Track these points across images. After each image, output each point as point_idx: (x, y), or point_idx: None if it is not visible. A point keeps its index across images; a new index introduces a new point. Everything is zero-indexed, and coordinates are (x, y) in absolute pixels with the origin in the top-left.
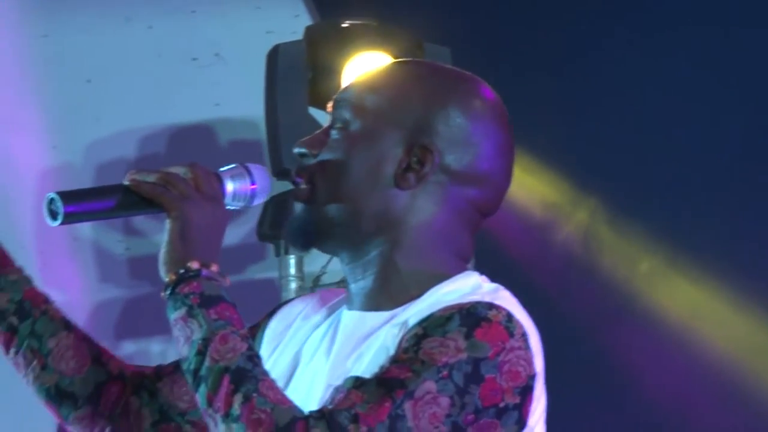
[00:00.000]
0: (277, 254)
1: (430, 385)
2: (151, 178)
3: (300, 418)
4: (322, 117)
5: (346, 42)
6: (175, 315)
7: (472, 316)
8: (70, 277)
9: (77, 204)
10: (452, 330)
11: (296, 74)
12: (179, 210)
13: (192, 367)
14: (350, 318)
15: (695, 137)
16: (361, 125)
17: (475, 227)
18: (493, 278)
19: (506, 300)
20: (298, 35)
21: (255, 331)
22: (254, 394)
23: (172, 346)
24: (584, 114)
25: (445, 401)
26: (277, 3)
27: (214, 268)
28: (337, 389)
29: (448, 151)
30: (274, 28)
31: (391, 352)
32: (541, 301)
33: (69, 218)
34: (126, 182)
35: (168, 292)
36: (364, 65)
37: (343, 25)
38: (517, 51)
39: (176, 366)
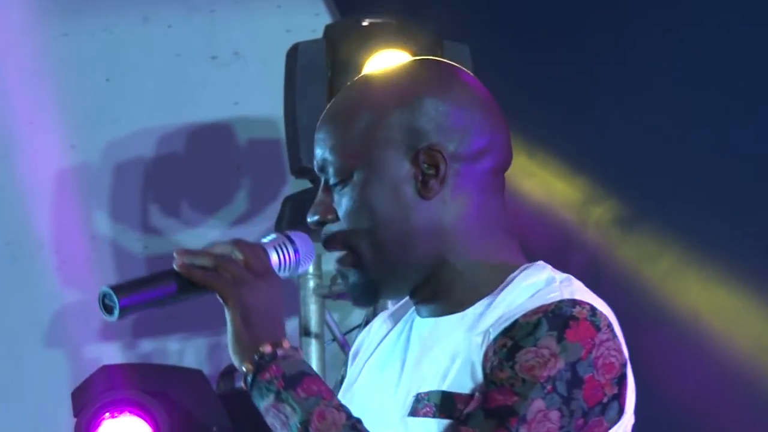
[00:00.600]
0: None
1: (539, 404)
2: (201, 260)
3: None
4: None
5: (365, 40)
6: (264, 404)
7: (558, 318)
8: (88, 276)
9: (131, 296)
10: (543, 336)
11: (316, 73)
12: (236, 297)
13: None
14: (424, 325)
15: (713, 136)
16: (359, 169)
17: (501, 188)
18: None
19: (582, 291)
20: (318, 34)
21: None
22: None
23: (189, 344)
24: (602, 113)
25: (555, 415)
26: (296, 1)
27: (286, 344)
28: (418, 398)
29: (447, 140)
30: (294, 26)
31: (477, 366)
32: None
33: (125, 312)
34: (175, 267)
35: (249, 381)
36: (383, 63)
37: (363, 24)
38: (536, 49)
39: None
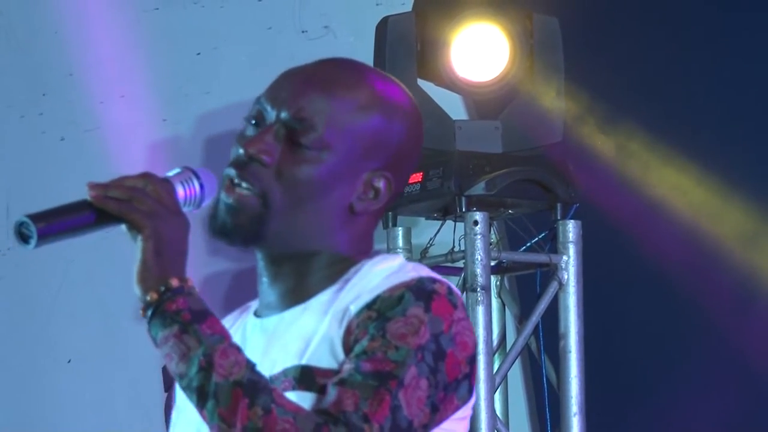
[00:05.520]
0: (385, 227)
1: (413, 371)
2: (114, 192)
3: (322, 424)
4: (431, 89)
5: (455, 13)
6: (165, 332)
7: (422, 291)
8: None
9: (49, 225)
10: (410, 306)
11: (405, 46)
12: (151, 228)
13: (195, 384)
14: (266, 324)
15: None
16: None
17: None
18: (634, 276)
19: (430, 271)
20: (408, 7)
21: None
22: (273, 405)
23: None
24: (701, 105)
25: (424, 383)
26: None
27: (190, 282)
28: (272, 379)
29: None
30: (384, 0)
31: (337, 342)
32: (685, 298)
33: (42, 240)
34: (89, 198)
35: (151, 311)
36: (473, 37)
37: None
38: (627, 21)
39: None
